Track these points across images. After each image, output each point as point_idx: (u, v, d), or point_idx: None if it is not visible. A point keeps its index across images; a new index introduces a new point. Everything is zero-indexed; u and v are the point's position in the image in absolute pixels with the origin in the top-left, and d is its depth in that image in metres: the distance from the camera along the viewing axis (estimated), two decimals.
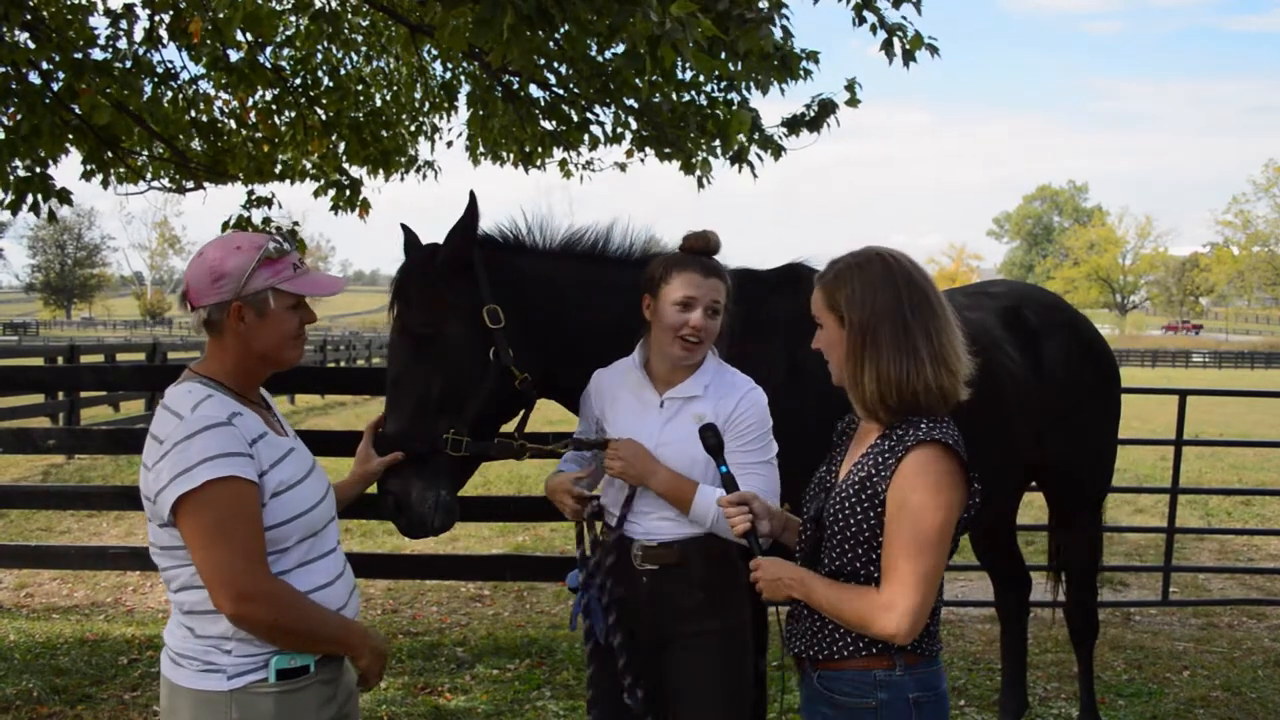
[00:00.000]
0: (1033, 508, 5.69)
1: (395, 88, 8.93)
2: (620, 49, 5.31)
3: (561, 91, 6.79)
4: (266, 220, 7.72)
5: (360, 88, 8.52)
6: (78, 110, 5.98)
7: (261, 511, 2.30)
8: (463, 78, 8.51)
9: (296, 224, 8.12)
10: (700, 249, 2.97)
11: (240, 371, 2.45)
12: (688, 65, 4.98)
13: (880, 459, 2.38)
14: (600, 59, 5.94)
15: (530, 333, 3.26)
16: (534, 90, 6.90)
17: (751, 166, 6.43)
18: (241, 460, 2.26)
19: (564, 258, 3.44)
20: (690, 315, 2.88)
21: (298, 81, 7.89)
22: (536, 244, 3.43)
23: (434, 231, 3.30)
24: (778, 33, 5.44)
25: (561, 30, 4.68)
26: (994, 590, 5.24)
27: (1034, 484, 4.92)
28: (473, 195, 3.23)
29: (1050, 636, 6.50)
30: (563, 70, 6.61)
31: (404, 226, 3.38)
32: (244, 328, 2.39)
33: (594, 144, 7.17)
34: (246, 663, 2.31)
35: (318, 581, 2.42)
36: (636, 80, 5.57)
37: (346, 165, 8.27)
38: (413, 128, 8.89)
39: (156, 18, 6.47)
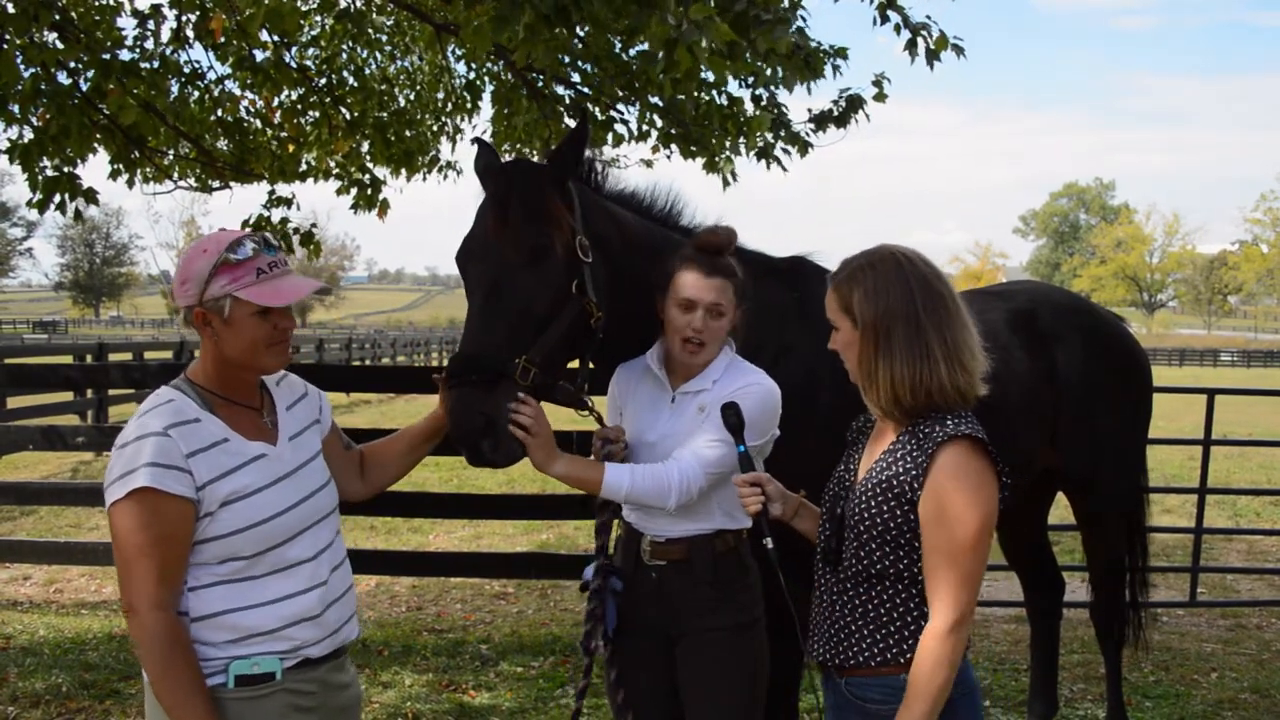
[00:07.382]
0: (1059, 506, 5.63)
1: (418, 88, 8.96)
2: (644, 47, 5.32)
3: (586, 89, 6.79)
4: (284, 220, 7.75)
5: (384, 88, 8.56)
6: (105, 110, 6.04)
7: (195, 525, 2.24)
8: (486, 77, 8.53)
9: (314, 225, 8.14)
10: (711, 247, 2.91)
11: (220, 374, 2.39)
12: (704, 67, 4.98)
13: (908, 457, 2.34)
14: (624, 56, 5.94)
15: (608, 277, 3.07)
16: (558, 88, 6.90)
17: (779, 162, 6.41)
18: (169, 473, 2.20)
19: (643, 212, 3.36)
20: (691, 317, 2.83)
21: (322, 82, 7.93)
22: (616, 191, 3.32)
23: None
24: (793, 32, 5.42)
25: (582, 30, 4.70)
26: (1023, 591, 5.20)
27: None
28: (584, 111, 3.07)
29: (1076, 637, 6.44)
30: (587, 68, 6.61)
31: (480, 141, 3.19)
32: (212, 332, 2.33)
33: (618, 141, 7.16)
34: (204, 666, 2.26)
35: (286, 590, 2.35)
36: (661, 76, 5.57)
37: (370, 165, 8.31)
38: (435, 127, 8.91)
39: (183, 18, 6.53)
